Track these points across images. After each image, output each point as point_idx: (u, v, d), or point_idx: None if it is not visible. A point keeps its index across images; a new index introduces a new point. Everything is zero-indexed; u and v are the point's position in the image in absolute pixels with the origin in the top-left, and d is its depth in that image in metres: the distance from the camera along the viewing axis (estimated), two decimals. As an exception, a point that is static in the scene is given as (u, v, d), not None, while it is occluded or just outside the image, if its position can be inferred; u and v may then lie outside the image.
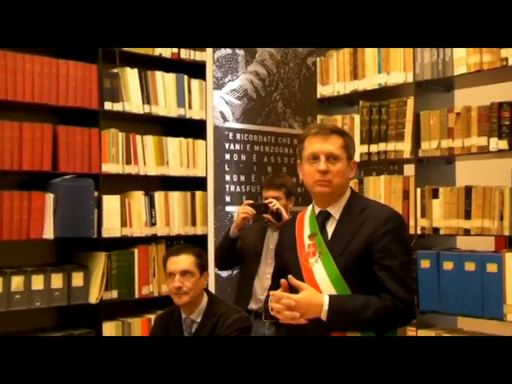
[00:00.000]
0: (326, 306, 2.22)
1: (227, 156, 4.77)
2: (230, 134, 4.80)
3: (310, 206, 2.50)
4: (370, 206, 2.43)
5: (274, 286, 2.45)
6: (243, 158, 4.86)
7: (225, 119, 4.76)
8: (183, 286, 2.93)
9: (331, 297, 2.25)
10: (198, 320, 2.98)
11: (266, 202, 3.75)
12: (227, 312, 3.00)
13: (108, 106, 3.91)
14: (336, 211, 2.40)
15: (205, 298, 3.03)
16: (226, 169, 4.76)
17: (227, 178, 4.73)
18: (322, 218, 2.41)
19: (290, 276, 2.28)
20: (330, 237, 2.38)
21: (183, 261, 2.98)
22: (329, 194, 2.37)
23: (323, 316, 2.23)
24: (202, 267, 3.03)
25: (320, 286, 2.31)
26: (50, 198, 3.61)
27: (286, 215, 3.69)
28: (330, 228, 2.39)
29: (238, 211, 3.83)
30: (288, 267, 2.45)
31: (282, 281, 2.32)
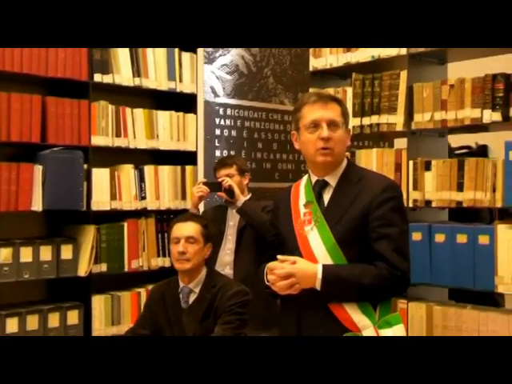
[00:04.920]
0: (319, 275, 2.22)
1: (217, 131, 4.73)
2: (221, 110, 4.76)
3: (306, 175, 2.48)
4: (367, 176, 2.41)
5: (268, 258, 2.43)
6: (233, 133, 4.83)
7: (215, 94, 4.72)
8: (187, 252, 2.96)
9: (325, 266, 2.24)
10: (197, 290, 2.99)
11: (220, 180, 3.79)
12: (228, 284, 3.03)
13: (98, 77, 3.87)
14: (333, 180, 2.38)
15: (204, 269, 3.05)
16: (217, 144, 4.72)
17: (217, 153, 4.69)
18: (319, 187, 2.39)
19: (278, 255, 2.29)
20: (326, 205, 2.36)
21: (189, 227, 3.02)
22: (331, 163, 2.35)
23: (318, 285, 2.22)
24: (207, 237, 3.06)
25: (315, 254, 2.29)
26: (38, 169, 3.58)
27: (238, 191, 3.74)
28: (327, 197, 2.37)
29: (193, 191, 3.85)
30: (284, 236, 2.44)
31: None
